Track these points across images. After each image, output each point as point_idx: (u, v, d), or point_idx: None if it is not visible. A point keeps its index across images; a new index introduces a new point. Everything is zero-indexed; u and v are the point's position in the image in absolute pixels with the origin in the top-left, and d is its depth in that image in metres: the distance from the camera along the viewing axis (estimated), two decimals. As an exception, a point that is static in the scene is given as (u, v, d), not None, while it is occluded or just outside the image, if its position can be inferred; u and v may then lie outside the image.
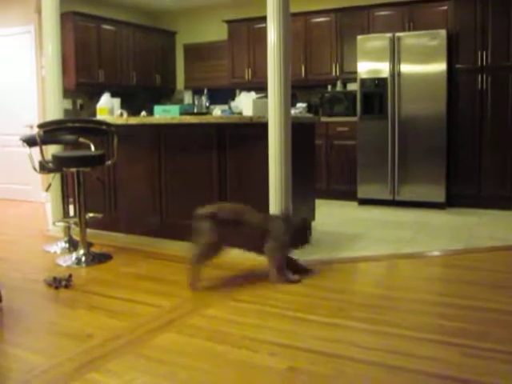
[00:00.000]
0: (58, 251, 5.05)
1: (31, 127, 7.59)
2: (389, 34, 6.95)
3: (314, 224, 5.48)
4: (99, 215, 5.29)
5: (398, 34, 6.91)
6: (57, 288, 3.91)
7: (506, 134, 6.61)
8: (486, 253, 4.78)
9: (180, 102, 9.70)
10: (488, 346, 2.83)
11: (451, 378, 2.50)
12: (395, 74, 6.92)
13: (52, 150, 5.41)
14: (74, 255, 4.69)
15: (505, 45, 6.52)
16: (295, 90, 5.69)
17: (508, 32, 6.49)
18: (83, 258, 4.63)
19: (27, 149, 4.82)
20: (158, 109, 5.41)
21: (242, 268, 4.40)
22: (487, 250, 4.86)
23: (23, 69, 8.11)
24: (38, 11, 7.13)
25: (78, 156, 4.69)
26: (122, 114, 5.60)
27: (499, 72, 6.59)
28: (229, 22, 8.87)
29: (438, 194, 6.81)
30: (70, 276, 4.04)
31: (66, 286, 3.94)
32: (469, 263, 4.49)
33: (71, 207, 5.40)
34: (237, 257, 4.66)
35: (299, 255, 4.59)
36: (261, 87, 5.69)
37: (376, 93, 7.06)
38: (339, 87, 7.93)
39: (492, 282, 3.98)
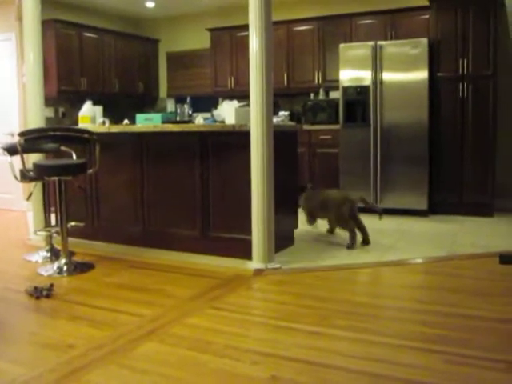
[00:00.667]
0: (40, 260, 5.01)
1: (12, 135, 7.54)
2: (371, 43, 6.99)
3: (296, 232, 5.49)
4: (81, 224, 5.26)
5: (380, 43, 6.95)
6: (38, 298, 3.87)
7: (487, 141, 6.67)
8: (468, 260, 4.80)
9: (163, 109, 9.69)
10: (471, 353, 2.84)
11: (434, 385, 2.51)
12: (377, 82, 6.96)
13: (33, 158, 5.37)
14: (56, 264, 4.65)
15: (485, 53, 6.59)
16: (278, 98, 5.70)
17: (488, 40, 6.56)
18: (65, 268, 4.59)
19: (8, 157, 4.78)
20: (140, 117, 5.40)
21: (224, 276, 4.38)
22: (469, 257, 4.89)
23: (4, 76, 8.06)
24: (19, 19, 7.09)
25: (60, 164, 4.66)
26: (104, 122, 5.57)
27: (480, 80, 6.65)
28: (211, 30, 8.88)
29: (421, 201, 6.84)
30: (52, 285, 4.01)
31: (48, 296, 3.90)
32: (451, 270, 4.51)
33: (53, 216, 5.36)
34: (219, 265, 4.67)
35: (281, 263, 4.60)
36: (243, 95, 5.70)
37: (358, 101, 7.09)
38: (322, 95, 7.96)
39: (474, 289, 4.00)
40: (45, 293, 3.91)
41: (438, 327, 3.23)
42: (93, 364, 2.80)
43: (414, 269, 4.65)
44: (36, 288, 3.93)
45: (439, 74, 6.84)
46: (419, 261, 4.82)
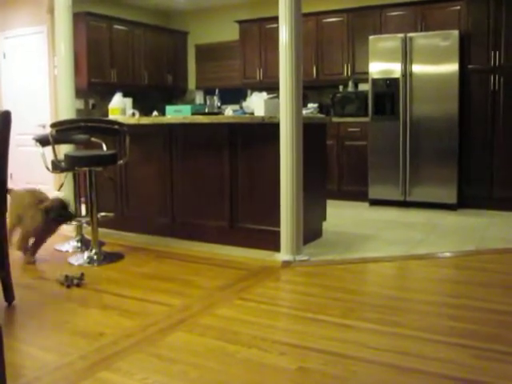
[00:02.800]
0: (70, 250, 5.08)
1: (44, 127, 7.65)
2: (401, 35, 6.93)
3: (325, 225, 5.49)
4: (111, 214, 5.32)
5: (409, 35, 6.89)
6: (69, 286, 3.94)
7: (519, 135, 6.58)
8: (498, 254, 4.76)
9: (191, 102, 9.72)
10: (500, 349, 2.82)
11: (463, 379, 2.49)
12: (407, 74, 6.90)
13: (64, 149, 5.45)
14: (86, 254, 4.71)
15: (518, 45, 6.49)
16: (306, 90, 5.69)
17: (521, 32, 6.46)
18: (95, 257, 4.66)
19: (40, 148, 4.85)
20: (169, 109, 5.43)
21: (252, 268, 4.41)
22: (499, 251, 4.84)
23: (36, 69, 8.16)
24: (51, 11, 7.17)
25: (90, 155, 4.71)
26: (133, 114, 5.62)
27: (512, 73, 6.56)
28: (240, 22, 8.88)
29: (450, 195, 6.79)
30: (82, 275, 4.07)
31: (78, 285, 3.96)
32: (480, 265, 4.47)
33: (83, 206, 5.43)
34: (247, 256, 4.69)
35: (310, 255, 4.61)
36: (272, 87, 5.70)
37: (388, 93, 7.05)
38: (351, 87, 7.91)
39: (503, 283, 3.96)
40: (75, 281, 3.97)
41: (467, 321, 3.21)
42: (123, 352, 2.84)
43: (443, 263, 4.62)
44: (67, 276, 3.99)
45: (470, 67, 6.76)
46: (448, 255, 4.78)
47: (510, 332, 3.05)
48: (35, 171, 7.77)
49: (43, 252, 4.85)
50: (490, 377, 2.51)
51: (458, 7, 7.03)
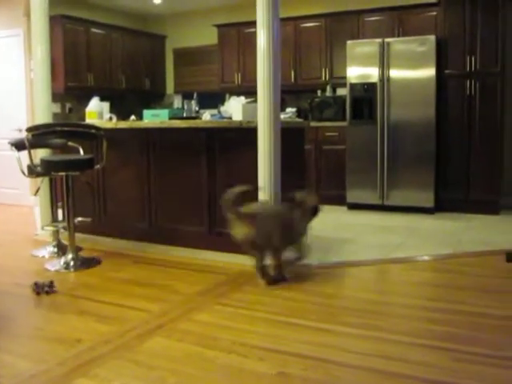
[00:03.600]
0: (47, 255, 5.03)
1: (20, 131, 7.56)
2: (378, 40, 6.97)
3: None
4: (88, 219, 5.27)
5: (387, 40, 6.93)
6: (38, 294, 3.87)
7: (494, 139, 6.64)
8: (475, 257, 4.79)
9: (170, 106, 9.69)
10: (478, 351, 2.83)
11: (443, 382, 2.50)
12: (384, 79, 6.94)
13: (41, 153, 5.38)
14: (63, 260, 4.66)
15: (493, 50, 6.56)
16: (285, 94, 5.68)
17: (496, 37, 6.53)
18: (72, 263, 4.61)
19: (16, 152, 4.79)
20: (147, 113, 5.40)
21: (231, 272, 4.39)
22: (476, 254, 4.88)
23: (12, 72, 8.07)
24: (27, 14, 7.09)
25: (67, 160, 4.67)
26: (111, 118, 5.58)
27: (487, 77, 6.62)
28: (219, 26, 8.86)
29: (427, 198, 6.83)
30: (52, 282, 3.99)
31: (48, 293, 3.89)
32: (458, 268, 4.50)
33: (60, 211, 5.37)
34: (226, 261, 4.67)
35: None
36: (250, 92, 5.69)
37: (365, 98, 7.08)
38: (329, 92, 7.94)
39: (481, 286, 3.99)
40: (45, 289, 3.90)
41: (446, 325, 3.22)
42: (100, 358, 2.80)
43: (422, 266, 4.64)
44: (36, 284, 3.93)
45: (447, 72, 6.82)
46: (426, 258, 4.81)
47: (489, 334, 3.07)
48: (11, 176, 7.69)
49: (20, 257, 4.78)
50: (469, 379, 2.52)
51: (435, 13, 7.09)
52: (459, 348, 2.87)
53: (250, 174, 4.69)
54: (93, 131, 4.71)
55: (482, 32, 6.61)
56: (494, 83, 6.60)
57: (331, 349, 2.90)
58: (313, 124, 7.46)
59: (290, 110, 7.66)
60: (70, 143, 5.14)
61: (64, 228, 4.94)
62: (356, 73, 7.12)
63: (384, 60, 6.93)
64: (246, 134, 4.70)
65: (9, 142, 4.95)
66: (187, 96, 8.58)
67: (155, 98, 9.88)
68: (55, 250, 5.11)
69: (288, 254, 4.13)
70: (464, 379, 2.52)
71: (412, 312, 3.50)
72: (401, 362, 2.71)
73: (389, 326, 3.23)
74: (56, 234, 5.24)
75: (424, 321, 3.34)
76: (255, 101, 4.64)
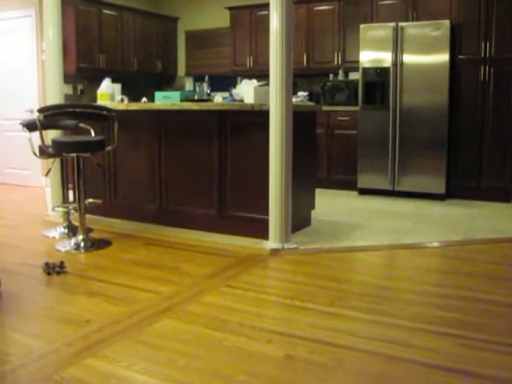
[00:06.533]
0: (57, 236, 5.06)
1: (31, 112, 7.59)
2: (392, 24, 6.92)
3: (313, 213, 5.49)
4: (99, 201, 5.29)
5: (401, 24, 6.87)
6: (49, 274, 3.90)
7: (507, 126, 6.60)
8: (485, 244, 4.78)
9: (181, 88, 9.67)
10: (485, 338, 2.83)
11: (449, 368, 2.50)
12: (397, 63, 6.89)
13: (52, 134, 5.40)
14: (73, 241, 4.69)
15: (508, 36, 6.49)
16: (297, 78, 5.67)
17: (512, 23, 6.47)
18: (82, 244, 4.63)
19: (27, 133, 4.81)
20: (158, 95, 5.39)
21: (240, 255, 4.40)
22: (486, 241, 4.86)
23: (24, 53, 8.08)
24: (40, -5, 7.09)
25: (78, 141, 4.68)
26: (122, 100, 5.58)
27: (502, 63, 6.56)
28: (231, 8, 8.82)
29: (438, 185, 6.80)
30: (62, 263, 4.02)
31: (59, 273, 3.92)
32: (467, 255, 4.49)
33: (71, 192, 5.39)
34: (235, 244, 4.68)
35: (298, 244, 4.61)
36: (262, 75, 5.68)
37: (378, 82, 7.04)
38: (341, 76, 7.90)
39: (490, 273, 3.98)
40: (56, 269, 3.93)
41: (453, 311, 3.22)
42: (109, 339, 2.83)
43: (431, 252, 4.64)
44: (47, 264, 3.96)
45: (460, 57, 6.76)
46: (436, 244, 4.80)
47: (496, 321, 3.06)
48: (21, 156, 7.73)
49: (30, 238, 4.81)
50: (475, 366, 2.52)
51: (450, -3, 7.02)
52: (466, 334, 2.87)
53: (261, 158, 4.69)
54: (104, 113, 4.71)
55: (497, 17, 6.54)
56: (509, 70, 6.54)
57: (338, 332, 2.91)
58: (324, 108, 7.43)
59: (302, 94, 7.61)
60: (81, 124, 5.15)
61: (75, 209, 4.97)
62: (369, 57, 7.07)
63: (397, 44, 6.88)
64: (257, 117, 4.69)
65: (20, 123, 4.97)
66: (199, 79, 8.56)
67: (167, 81, 9.87)
68: (66, 230, 5.14)
69: None
70: (469, 365, 2.53)
71: (419, 298, 3.50)
72: (406, 347, 2.72)
73: (396, 311, 3.23)
74: (67, 215, 5.27)
75: (431, 307, 3.34)
76: (267, 84, 4.63)
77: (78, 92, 8.26)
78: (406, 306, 3.34)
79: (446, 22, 6.62)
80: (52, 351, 2.69)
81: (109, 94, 5.55)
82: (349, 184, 7.42)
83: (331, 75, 8.06)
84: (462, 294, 3.52)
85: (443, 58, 6.65)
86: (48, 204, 5.89)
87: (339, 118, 7.56)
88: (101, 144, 4.71)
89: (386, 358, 2.61)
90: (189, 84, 9.70)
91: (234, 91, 5.52)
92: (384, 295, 3.53)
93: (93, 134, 5.11)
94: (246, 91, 4.96)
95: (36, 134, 4.66)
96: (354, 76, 7.67)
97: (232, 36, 8.85)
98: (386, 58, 6.97)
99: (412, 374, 2.47)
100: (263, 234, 4.67)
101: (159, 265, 4.18)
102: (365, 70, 7.11)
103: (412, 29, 6.82)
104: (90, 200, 5.10)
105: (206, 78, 6.94)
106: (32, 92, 7.96)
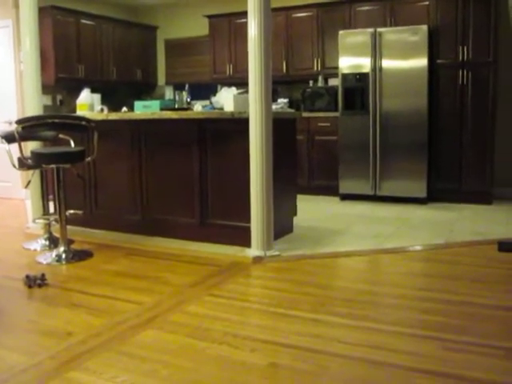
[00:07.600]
0: (38, 248, 5.01)
1: (10, 123, 7.52)
2: (370, 30, 6.96)
3: (295, 220, 5.48)
4: (79, 212, 5.25)
5: (379, 30, 6.92)
6: (30, 287, 3.86)
7: (486, 129, 6.65)
8: (467, 247, 4.80)
9: (161, 97, 9.64)
10: (469, 340, 2.84)
11: (433, 372, 2.51)
12: (376, 69, 6.93)
13: (31, 146, 5.35)
14: (55, 252, 4.64)
15: (485, 40, 6.56)
16: (276, 85, 5.68)
17: (489, 27, 6.53)
18: (63, 255, 4.59)
19: (6, 145, 4.76)
20: (138, 104, 5.37)
21: (222, 264, 4.38)
22: (468, 244, 4.89)
23: (1, 64, 8.01)
24: (16, 6, 7.03)
25: (58, 152, 4.64)
26: (102, 110, 5.55)
27: (479, 67, 6.62)
28: (210, 17, 8.82)
29: (419, 189, 6.84)
30: (43, 275, 3.97)
31: (40, 285, 3.88)
32: (450, 258, 4.51)
33: (51, 204, 5.35)
34: (217, 252, 4.67)
35: (280, 251, 4.61)
36: (242, 82, 5.67)
37: (357, 88, 7.07)
38: (321, 82, 7.92)
39: (473, 276, 4.00)
40: (37, 282, 3.89)
41: (437, 314, 3.23)
42: (92, 351, 2.80)
43: (413, 256, 4.65)
44: (28, 277, 3.91)
45: (439, 61, 6.82)
46: (418, 248, 4.82)
47: (480, 324, 3.08)
48: (1, 169, 7.65)
49: (11, 250, 4.76)
50: (459, 369, 2.52)
51: (427, 2, 7.05)
52: (450, 337, 2.88)
53: (241, 165, 4.68)
54: (83, 123, 4.68)
55: (474, 22, 6.61)
56: (487, 73, 6.60)
57: (322, 339, 2.90)
58: (305, 115, 7.45)
59: (282, 101, 7.61)
60: (60, 135, 5.12)
61: (55, 221, 4.93)
62: (348, 63, 7.11)
63: (376, 50, 6.92)
64: (237, 125, 4.68)
65: (-1, 135, 4.92)
66: (179, 87, 8.53)
67: (146, 90, 9.84)
68: (47, 242, 5.10)
69: None
70: (454, 368, 2.53)
71: (403, 302, 3.51)
72: (390, 352, 2.72)
73: (379, 316, 3.23)
74: (47, 226, 5.22)
75: (415, 311, 3.35)
76: (247, 91, 4.63)
77: (58, 103, 8.21)
78: (389, 311, 3.35)
79: (424, 27, 6.67)
80: (34, 365, 2.66)
81: (88, 104, 5.52)
82: (330, 190, 7.43)
83: (311, 82, 8.08)
84: (446, 298, 3.53)
85: (422, 62, 6.69)
86: (28, 216, 5.84)
87: (320, 124, 7.58)
88: (80, 155, 4.68)
89: (371, 364, 2.61)
90: (169, 92, 9.68)
91: (214, 99, 5.51)
92: (367, 300, 3.53)
93: (72, 144, 5.07)
94: (226, 99, 4.96)
95: (15, 146, 4.61)
96: (334, 82, 7.69)
97: (211, 44, 8.86)
98: (365, 63, 7.01)
99: (397, 379, 2.47)
100: (245, 241, 4.65)
101: (141, 275, 4.16)
102: (344, 75, 7.14)
103: (390, 34, 6.87)
104: (71, 211, 5.06)
105: (186, 86, 6.92)
106: (11, 103, 7.90)
